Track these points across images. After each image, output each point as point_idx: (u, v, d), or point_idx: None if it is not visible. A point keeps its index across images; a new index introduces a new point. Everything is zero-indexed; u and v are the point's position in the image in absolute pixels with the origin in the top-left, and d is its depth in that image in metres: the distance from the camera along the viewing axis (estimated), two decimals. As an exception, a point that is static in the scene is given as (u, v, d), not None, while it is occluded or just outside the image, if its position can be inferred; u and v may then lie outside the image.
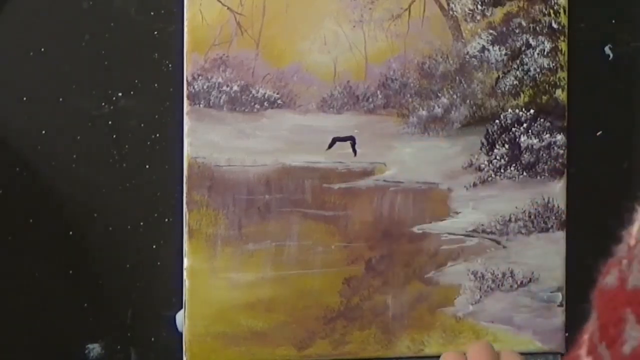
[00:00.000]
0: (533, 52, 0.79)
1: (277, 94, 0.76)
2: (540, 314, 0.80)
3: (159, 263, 0.79)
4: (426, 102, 0.78)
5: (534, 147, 0.80)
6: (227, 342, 0.76)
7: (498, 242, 0.79)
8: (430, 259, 0.79)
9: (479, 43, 0.78)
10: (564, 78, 0.80)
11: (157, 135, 0.78)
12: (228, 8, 0.75)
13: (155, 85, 0.77)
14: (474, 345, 0.68)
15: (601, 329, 0.45)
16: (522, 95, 0.79)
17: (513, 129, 0.80)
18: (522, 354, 0.70)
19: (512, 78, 0.79)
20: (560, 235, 0.80)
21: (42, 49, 0.76)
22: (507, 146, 0.80)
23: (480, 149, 0.79)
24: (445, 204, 0.79)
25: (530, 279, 0.80)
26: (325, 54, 0.76)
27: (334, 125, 0.77)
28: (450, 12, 0.78)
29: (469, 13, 0.78)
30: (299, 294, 0.77)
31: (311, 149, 0.76)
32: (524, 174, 0.80)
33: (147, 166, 0.78)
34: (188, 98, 0.75)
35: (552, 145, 0.80)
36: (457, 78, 0.78)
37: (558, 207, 0.80)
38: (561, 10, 0.79)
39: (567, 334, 0.81)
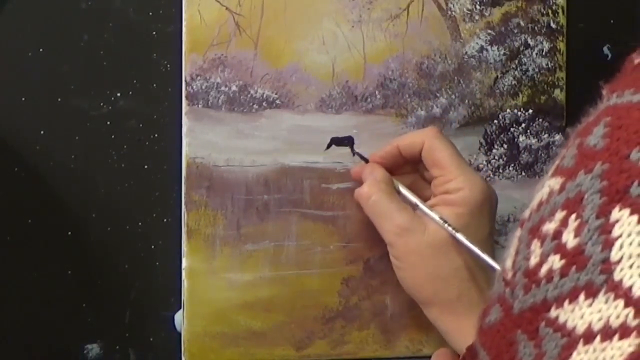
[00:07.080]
0: (531, 52, 0.79)
1: (276, 94, 0.76)
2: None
3: (157, 263, 0.78)
4: (425, 102, 0.78)
5: (533, 147, 0.80)
6: (225, 342, 0.76)
7: (496, 242, 0.79)
8: (429, 259, 0.78)
9: (477, 43, 0.78)
10: (562, 78, 0.80)
11: (156, 135, 0.78)
12: (227, 8, 0.75)
13: (154, 85, 0.77)
14: None
15: None
16: (520, 95, 0.79)
17: (511, 129, 0.80)
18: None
19: (511, 78, 0.79)
20: (559, 235, 0.80)
21: (41, 49, 0.76)
22: (505, 146, 0.80)
23: (479, 149, 0.79)
24: (443, 204, 0.78)
25: (528, 279, 0.80)
26: (324, 54, 0.76)
27: (333, 126, 0.77)
28: (449, 12, 0.78)
29: (468, 13, 0.78)
30: (297, 294, 0.77)
31: (310, 149, 0.76)
32: (523, 174, 0.80)
33: (146, 166, 0.78)
34: (187, 98, 0.75)
35: (551, 145, 0.80)
36: (456, 78, 0.78)
37: (556, 207, 0.80)
38: (560, 10, 0.79)
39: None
